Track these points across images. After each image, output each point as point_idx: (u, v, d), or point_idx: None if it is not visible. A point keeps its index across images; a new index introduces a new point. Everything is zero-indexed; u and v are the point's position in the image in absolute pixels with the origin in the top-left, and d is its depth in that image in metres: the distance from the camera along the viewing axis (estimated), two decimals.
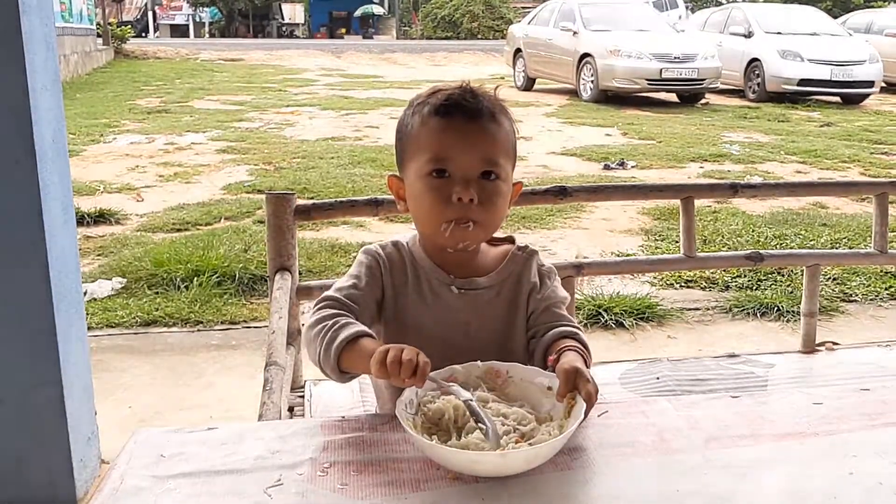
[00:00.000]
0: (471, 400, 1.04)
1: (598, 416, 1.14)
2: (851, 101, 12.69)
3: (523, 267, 1.32)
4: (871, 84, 12.66)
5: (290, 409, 1.77)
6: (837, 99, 12.76)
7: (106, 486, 0.97)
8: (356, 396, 1.79)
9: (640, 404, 1.20)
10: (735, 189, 2.23)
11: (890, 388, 1.26)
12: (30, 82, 2.01)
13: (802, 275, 2.30)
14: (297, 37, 40.77)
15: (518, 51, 14.36)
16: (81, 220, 5.05)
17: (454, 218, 1.20)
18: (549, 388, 1.10)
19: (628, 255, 4.69)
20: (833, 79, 12.35)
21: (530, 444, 1.00)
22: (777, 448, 1.07)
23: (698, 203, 5.60)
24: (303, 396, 1.87)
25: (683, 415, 1.15)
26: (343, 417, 1.16)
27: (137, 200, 6.04)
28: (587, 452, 1.05)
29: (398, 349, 1.04)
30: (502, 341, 1.28)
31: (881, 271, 4.36)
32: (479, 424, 1.01)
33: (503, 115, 1.26)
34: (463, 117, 1.21)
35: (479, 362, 1.15)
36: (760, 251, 2.22)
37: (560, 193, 1.95)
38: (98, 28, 18.43)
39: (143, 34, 33.85)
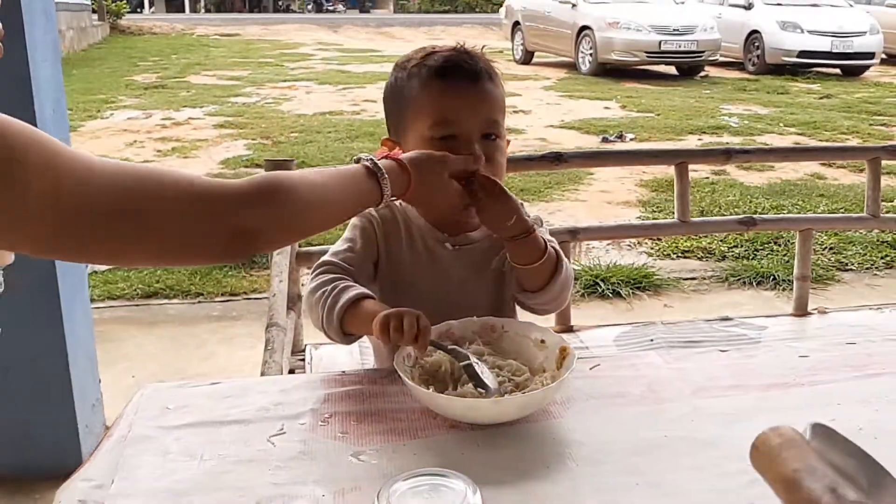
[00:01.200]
0: (470, 363, 1.06)
1: (591, 369, 1.18)
2: (852, 73, 12.64)
3: None
4: (871, 56, 12.60)
5: (291, 371, 1.81)
6: (837, 71, 12.70)
7: (114, 434, 1.01)
8: (356, 358, 1.83)
9: (631, 358, 1.23)
10: (729, 154, 2.25)
11: (876, 342, 1.30)
12: (30, 55, 2.03)
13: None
14: (294, 11, 40.45)
15: (516, 24, 14.27)
16: None
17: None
18: (543, 342, 1.14)
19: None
20: (833, 50, 12.29)
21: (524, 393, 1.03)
22: (763, 397, 1.11)
23: (696, 175, 5.68)
24: (303, 359, 1.91)
25: (673, 367, 1.18)
26: (343, 372, 1.20)
27: None
28: (579, 402, 1.09)
29: (398, 316, 1.07)
30: (495, 295, 1.31)
31: (877, 240, 4.40)
32: (479, 389, 1.03)
33: (495, 74, 1.28)
34: (465, 79, 1.23)
35: (475, 317, 1.18)
36: (753, 216, 2.25)
37: (556, 160, 1.98)
38: (93, 3, 18.30)
39: (139, 9, 33.56)
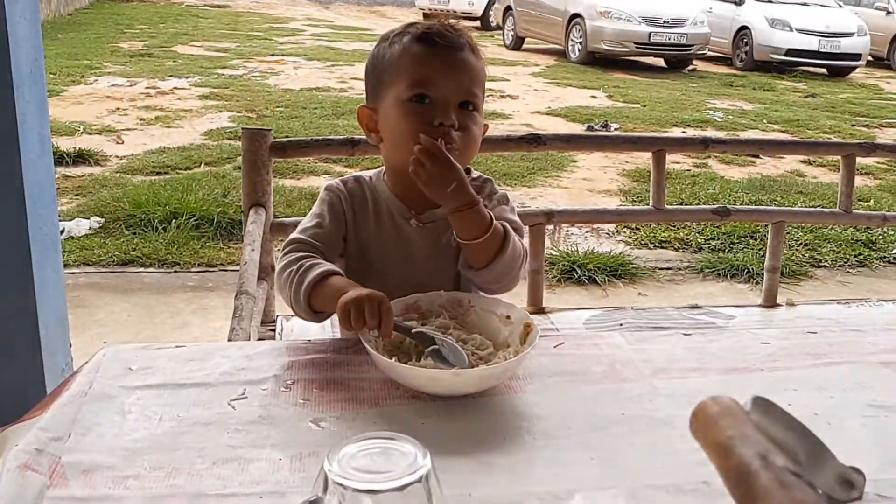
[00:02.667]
0: (436, 348, 1.06)
1: (555, 346, 1.19)
2: (838, 73, 12.71)
3: (478, 193, 1.30)
4: (857, 57, 12.68)
5: (261, 341, 1.81)
6: (824, 70, 12.78)
7: (73, 388, 1.00)
8: (327, 331, 1.83)
9: (595, 338, 1.24)
10: (706, 144, 2.26)
11: (836, 332, 1.32)
12: (8, 9, 2.00)
13: None
14: None
15: (508, 9, 14.20)
16: (60, 159, 5.02)
17: (438, 137, 1.19)
18: (508, 318, 1.14)
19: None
20: (821, 50, 12.35)
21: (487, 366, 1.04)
22: (722, 381, 1.12)
23: (677, 167, 5.71)
24: (274, 330, 1.91)
25: (635, 348, 1.19)
26: (309, 341, 1.20)
27: (117, 143, 5.99)
28: (541, 378, 1.10)
29: (359, 304, 1.04)
30: (459, 272, 1.31)
31: (851, 238, 4.45)
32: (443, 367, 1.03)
33: (477, 49, 1.28)
34: (445, 46, 1.23)
35: (442, 291, 1.19)
36: (727, 206, 2.27)
37: (534, 141, 1.98)
38: None
39: None
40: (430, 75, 1.21)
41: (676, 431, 0.97)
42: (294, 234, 1.28)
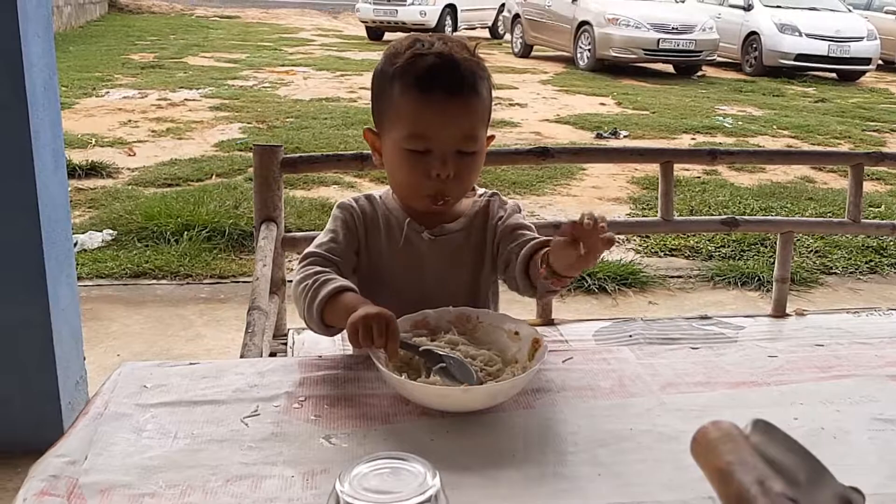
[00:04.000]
0: (444, 366, 1.07)
1: (563, 362, 1.20)
2: (847, 78, 12.68)
3: (487, 206, 1.36)
4: (867, 61, 12.65)
5: (273, 355, 1.83)
6: (834, 75, 12.75)
7: (90, 411, 1.02)
8: (338, 343, 1.85)
9: (603, 352, 1.25)
10: (714, 155, 2.27)
11: (843, 345, 1.32)
12: (22, 28, 2.03)
13: None
14: None
15: (516, 17, 14.25)
16: (73, 172, 5.07)
17: (431, 193, 1.25)
18: (516, 333, 1.16)
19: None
20: (830, 54, 12.32)
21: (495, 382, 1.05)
22: (730, 395, 1.13)
23: (687, 174, 5.71)
24: (286, 343, 1.92)
25: (643, 363, 1.20)
26: (320, 356, 1.22)
27: (129, 155, 6.04)
28: (550, 394, 1.11)
29: (366, 324, 1.05)
30: (472, 285, 1.34)
31: (862, 245, 4.43)
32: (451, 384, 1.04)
33: (481, 81, 1.25)
34: (444, 93, 1.20)
35: (451, 307, 1.20)
36: (736, 217, 2.28)
37: (542, 154, 2.00)
38: None
39: None
40: (428, 128, 1.21)
41: (684, 447, 0.97)
42: (310, 249, 1.30)
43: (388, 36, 15.08)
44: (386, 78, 1.26)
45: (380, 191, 1.38)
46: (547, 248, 1.13)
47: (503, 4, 16.13)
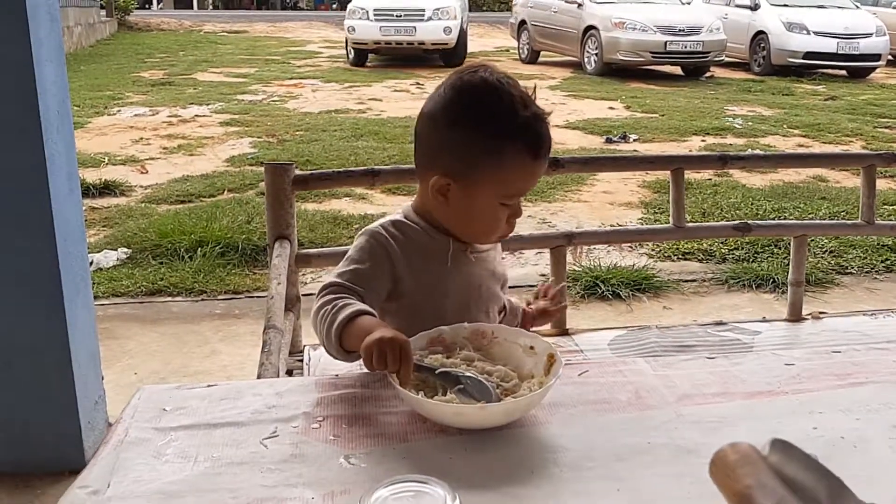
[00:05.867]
0: (462, 387, 1.07)
1: (579, 375, 1.20)
2: (857, 75, 12.62)
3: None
4: (877, 57, 12.59)
5: (289, 372, 1.84)
6: (843, 72, 12.69)
7: (112, 439, 1.03)
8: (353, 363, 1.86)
9: (619, 364, 1.25)
10: (724, 161, 2.26)
11: (860, 350, 1.32)
12: (35, 54, 2.06)
13: None
14: (301, 8, 40.46)
15: (522, 23, 14.28)
16: (86, 191, 5.11)
17: (504, 234, 1.34)
18: (532, 348, 1.16)
19: (623, 225, 4.76)
20: (839, 52, 12.28)
21: (512, 398, 1.05)
22: (747, 405, 1.13)
23: (698, 176, 5.70)
24: (301, 360, 1.93)
25: (659, 374, 1.20)
26: (337, 375, 1.22)
27: (142, 172, 6.09)
28: (566, 408, 1.11)
29: (381, 347, 1.05)
30: (497, 297, 1.42)
31: (878, 244, 4.40)
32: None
33: None
34: (547, 158, 1.29)
35: (465, 323, 1.20)
36: (748, 222, 2.27)
37: (553, 165, 2.00)
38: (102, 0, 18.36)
39: (147, 5, 33.67)
40: (526, 187, 1.31)
41: (702, 460, 0.97)
42: (330, 278, 1.28)
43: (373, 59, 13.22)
44: (487, 131, 1.23)
45: (401, 214, 1.37)
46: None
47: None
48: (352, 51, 13.23)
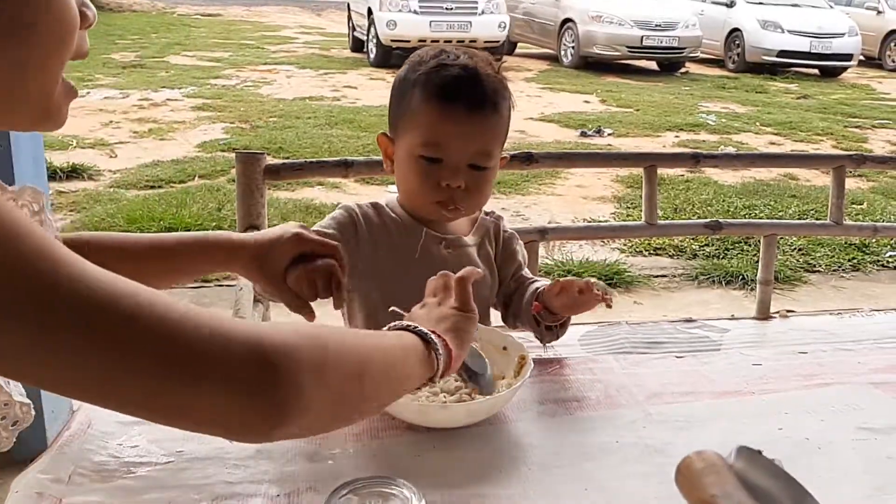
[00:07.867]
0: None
1: (549, 371, 1.20)
2: (829, 74, 12.78)
3: (493, 229, 1.40)
4: (849, 57, 12.75)
5: None
6: (816, 71, 12.84)
7: (73, 427, 1.01)
8: None
9: (589, 362, 1.26)
10: (697, 159, 2.28)
11: (827, 351, 1.33)
12: None
13: None
14: None
15: None
16: (53, 175, 5.02)
17: (440, 200, 1.25)
18: (504, 349, 1.16)
19: (595, 220, 4.78)
20: (812, 51, 12.41)
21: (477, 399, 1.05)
22: (714, 405, 1.13)
23: (672, 172, 5.74)
24: None
25: (629, 372, 1.21)
26: None
27: (111, 156, 6.00)
28: (535, 406, 1.11)
29: (310, 280, 1.06)
30: (480, 295, 1.33)
31: (845, 243, 4.47)
32: (469, 377, 1.06)
33: (503, 99, 1.25)
34: (464, 107, 1.20)
35: None
36: (719, 220, 2.29)
37: (526, 160, 1.99)
38: None
39: None
40: (443, 138, 1.21)
41: (669, 459, 0.97)
42: None
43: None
44: (407, 84, 1.25)
45: (384, 199, 1.37)
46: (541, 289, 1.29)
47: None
48: (374, 49, 10.93)
